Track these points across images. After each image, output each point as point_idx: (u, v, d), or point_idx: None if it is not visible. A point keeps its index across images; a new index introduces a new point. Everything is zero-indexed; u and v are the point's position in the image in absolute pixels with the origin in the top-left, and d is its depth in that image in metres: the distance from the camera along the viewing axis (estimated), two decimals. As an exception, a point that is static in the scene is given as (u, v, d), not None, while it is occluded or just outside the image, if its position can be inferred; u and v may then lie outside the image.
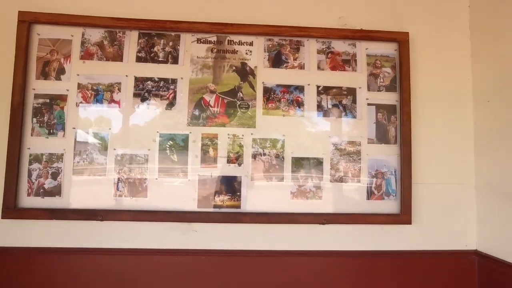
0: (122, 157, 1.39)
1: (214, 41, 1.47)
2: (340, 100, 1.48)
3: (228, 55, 1.47)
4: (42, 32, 1.41)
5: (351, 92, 1.49)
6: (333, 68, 1.50)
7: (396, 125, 1.49)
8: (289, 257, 1.45)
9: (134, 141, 1.40)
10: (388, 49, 1.53)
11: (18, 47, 1.36)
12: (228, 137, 1.42)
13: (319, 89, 1.48)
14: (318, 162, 1.45)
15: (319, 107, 1.47)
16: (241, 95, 1.45)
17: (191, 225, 1.40)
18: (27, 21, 1.38)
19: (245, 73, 1.46)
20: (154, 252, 1.40)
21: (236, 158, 1.42)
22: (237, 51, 1.47)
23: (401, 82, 1.49)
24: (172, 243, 1.40)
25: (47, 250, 1.37)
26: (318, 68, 1.49)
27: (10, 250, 1.35)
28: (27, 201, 1.36)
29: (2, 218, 1.32)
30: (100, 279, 1.38)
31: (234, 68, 1.46)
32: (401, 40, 1.51)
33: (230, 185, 1.41)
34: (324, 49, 1.50)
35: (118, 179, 1.38)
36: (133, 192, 1.39)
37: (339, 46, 1.51)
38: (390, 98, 1.51)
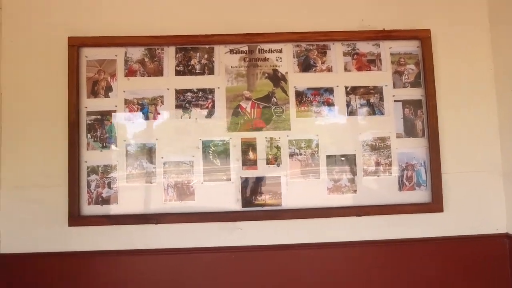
0: (169, 164, 1.51)
1: (246, 50, 1.57)
2: (368, 99, 1.57)
3: (260, 63, 1.57)
4: (89, 54, 1.54)
5: (378, 90, 1.57)
6: (359, 68, 1.58)
7: (423, 118, 1.57)
8: (328, 249, 1.55)
9: (179, 149, 1.52)
10: (411, 46, 1.60)
11: (70, 70, 1.49)
12: (266, 140, 1.53)
13: (348, 89, 1.57)
14: (351, 159, 1.54)
15: (349, 106, 1.56)
16: (275, 100, 1.55)
17: (236, 223, 1.52)
18: (76, 46, 1.50)
19: (277, 79, 1.56)
20: (204, 250, 1.52)
21: (274, 159, 1.52)
22: (268, 58, 1.57)
23: (425, 77, 1.56)
24: (220, 241, 1.52)
25: (108, 253, 1.51)
26: (345, 69, 1.58)
27: (76, 254, 1.49)
28: (88, 209, 1.49)
29: (69, 225, 1.47)
30: (156, 278, 1.51)
31: (266, 75, 1.56)
32: (422, 37, 1.58)
33: (271, 185, 1.52)
34: (350, 51, 1.59)
35: (167, 185, 1.51)
36: (181, 196, 1.51)
37: (364, 47, 1.59)
38: (415, 93, 1.58)
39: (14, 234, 1.49)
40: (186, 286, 1.51)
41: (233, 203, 1.51)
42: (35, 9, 1.55)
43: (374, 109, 1.56)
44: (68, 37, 1.50)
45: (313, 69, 1.57)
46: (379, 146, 1.55)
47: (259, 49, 1.57)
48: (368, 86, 1.57)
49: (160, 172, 1.51)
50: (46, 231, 1.49)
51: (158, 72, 1.54)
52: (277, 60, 1.57)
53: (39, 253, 1.48)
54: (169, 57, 1.55)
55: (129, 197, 1.51)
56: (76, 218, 1.46)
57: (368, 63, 1.59)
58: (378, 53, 1.59)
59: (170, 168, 1.51)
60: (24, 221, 1.49)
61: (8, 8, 1.55)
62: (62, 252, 1.49)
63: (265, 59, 1.57)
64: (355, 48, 1.59)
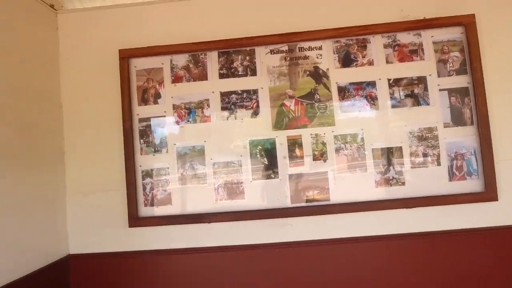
0: (219, 165, 1.57)
1: (286, 50, 1.60)
2: (412, 90, 1.55)
3: (301, 61, 1.59)
4: (138, 64, 1.62)
5: (422, 80, 1.55)
6: (401, 60, 1.57)
7: (471, 106, 1.53)
8: (378, 242, 1.55)
9: (227, 150, 1.58)
10: (454, 33, 1.57)
11: (122, 80, 1.59)
12: (311, 137, 1.55)
13: (390, 81, 1.56)
14: (398, 151, 1.53)
15: (392, 98, 1.55)
16: (318, 97, 1.57)
17: (286, 220, 1.56)
18: (126, 57, 1.59)
19: (318, 76, 1.58)
20: (255, 247, 1.57)
21: (321, 155, 1.54)
22: (308, 56, 1.59)
23: (472, 64, 1.53)
24: (271, 238, 1.56)
25: (164, 252, 1.59)
26: (387, 62, 1.57)
27: (136, 253, 1.59)
28: (145, 211, 1.58)
29: (129, 227, 1.56)
30: (210, 275, 1.57)
31: (308, 72, 1.58)
32: (466, 22, 1.54)
33: (318, 180, 1.54)
34: (390, 43, 1.58)
35: (218, 185, 1.57)
36: (231, 195, 1.56)
37: (404, 38, 1.58)
38: (461, 81, 1.55)
39: (81, 236, 1.61)
40: (239, 283, 1.57)
41: (282, 200, 1.55)
42: (88, 27, 1.66)
43: (419, 100, 1.55)
44: (119, 50, 1.60)
45: (354, 64, 1.58)
46: (426, 137, 1.53)
47: (299, 47, 1.60)
48: (412, 77, 1.56)
49: (210, 172, 1.57)
50: (109, 233, 1.59)
51: (203, 76, 1.61)
52: (317, 57, 1.59)
53: (103, 253, 1.59)
54: (212, 61, 1.61)
55: (182, 198, 1.58)
56: (135, 219, 1.55)
57: (410, 53, 1.57)
58: (420, 43, 1.57)
59: (219, 169, 1.57)
60: (89, 224, 1.60)
61: (64, 28, 1.67)
62: (123, 252, 1.59)
63: (306, 57, 1.59)
64: (395, 40, 1.58)
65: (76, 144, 1.63)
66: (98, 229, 1.59)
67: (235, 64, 1.60)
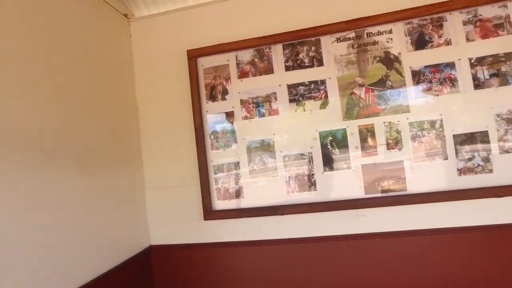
0: (289, 157, 1.58)
1: (353, 37, 1.55)
2: (498, 68, 1.42)
3: (370, 47, 1.53)
4: (205, 63, 1.68)
5: (510, 57, 1.41)
6: (484, 36, 1.44)
7: None
8: (462, 233, 1.45)
9: (297, 142, 1.57)
10: (548, 1, 1.40)
11: (191, 79, 1.66)
12: (384, 125, 1.49)
13: (472, 61, 1.44)
14: (483, 136, 1.42)
15: (475, 79, 1.43)
16: (390, 83, 1.50)
17: (360, 211, 1.52)
18: (194, 57, 1.66)
19: (389, 61, 1.51)
20: (329, 239, 1.55)
21: (395, 144, 1.48)
22: (377, 41, 1.53)
23: None
24: (344, 229, 1.54)
25: (239, 244, 1.64)
26: (467, 40, 1.45)
27: (211, 245, 1.66)
28: (219, 204, 1.64)
29: (204, 219, 1.64)
30: (283, 267, 1.59)
31: (377, 58, 1.52)
32: None
33: (394, 170, 1.48)
34: (471, 19, 1.45)
35: (289, 177, 1.58)
36: (303, 187, 1.56)
37: (487, 11, 1.44)
38: (558, 54, 1.39)
39: (160, 229, 1.72)
40: (311, 275, 1.57)
41: (356, 191, 1.51)
42: (157, 32, 1.76)
43: (507, 79, 1.41)
44: (187, 50, 1.67)
45: (429, 45, 1.48)
46: (517, 119, 1.40)
47: (367, 33, 1.54)
48: (497, 54, 1.42)
49: (281, 165, 1.58)
50: (185, 225, 1.68)
51: (269, 70, 1.62)
52: (387, 41, 1.52)
53: (181, 245, 1.69)
54: (277, 54, 1.61)
55: (254, 191, 1.61)
56: (210, 213, 1.62)
57: (494, 28, 1.43)
58: (506, 15, 1.42)
59: (289, 161, 1.57)
60: (166, 217, 1.71)
61: (137, 34, 1.78)
62: (199, 243, 1.67)
63: (375, 43, 1.53)
64: (476, 15, 1.45)
65: (152, 143, 1.73)
66: (175, 222, 1.69)
67: (300, 56, 1.59)
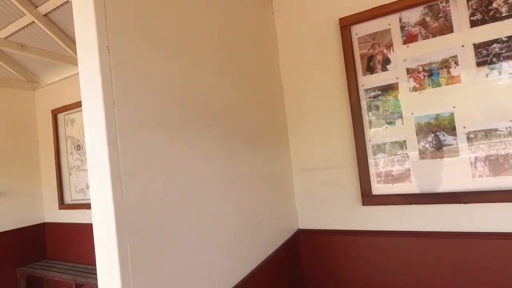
0: (475, 134, 1.28)
1: None
2: None
3: None
4: (359, 31, 1.50)
5: None
6: None
7: None
8: None
9: (487, 115, 1.26)
10: None
11: (345, 51, 1.50)
12: None
13: None
14: None
15: None
16: None
17: None
18: (347, 25, 1.50)
19: None
20: (535, 236, 1.22)
21: None
22: None
23: None
24: None
25: (404, 234, 1.44)
26: None
27: (369, 233, 1.50)
28: (378, 188, 1.47)
29: (362, 205, 1.49)
30: (458, 264, 1.32)
31: None
32: None
33: None
34: None
35: (475, 158, 1.28)
36: (496, 171, 1.25)
37: None
38: None
39: (308, 212, 1.65)
40: (488, 278, 1.26)
41: None
42: (301, 5, 1.66)
43: None
44: (339, 19, 1.52)
45: None
46: None
47: None
48: None
49: (463, 144, 1.30)
50: (338, 210, 1.57)
51: (446, 29, 1.33)
52: None
53: (332, 230, 1.58)
54: (459, 7, 1.31)
55: (425, 174, 1.38)
56: (369, 197, 1.46)
57: None
58: None
59: (477, 140, 1.28)
60: (315, 201, 1.62)
61: (279, 12, 1.72)
62: (354, 230, 1.53)
63: None
64: None
65: (298, 123, 1.67)
66: (325, 206, 1.59)
67: (494, 5, 1.25)
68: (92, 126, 0.65)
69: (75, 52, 2.66)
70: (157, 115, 0.78)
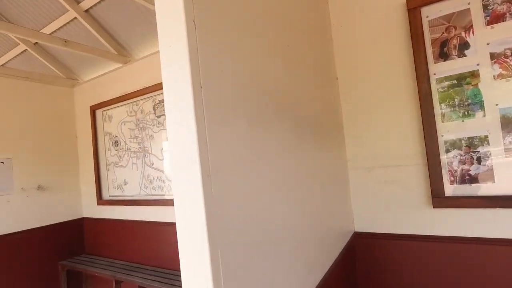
0: None
1: None
2: None
3: None
4: (431, 13, 1.34)
5: None
6: None
7: None
8: None
9: None
10: None
11: (413, 36, 1.35)
12: None
13: None
14: None
15: None
16: None
17: None
18: (417, 7, 1.34)
19: None
20: None
21: None
22: None
23: None
24: None
25: (486, 241, 1.27)
26: None
27: (441, 239, 1.34)
28: (451, 189, 1.31)
29: (433, 207, 1.34)
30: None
31: None
32: None
33: None
34: None
35: None
36: None
37: None
38: None
39: (366, 214, 1.51)
40: None
41: None
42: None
43: None
44: (407, 1, 1.37)
45: None
46: None
47: None
48: None
49: None
50: (402, 212, 1.42)
51: (542, 6, 1.16)
52: None
53: (396, 235, 1.44)
54: (559, -20, 1.13)
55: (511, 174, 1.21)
56: (441, 199, 1.31)
57: None
58: None
59: None
60: (375, 201, 1.48)
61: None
62: (422, 235, 1.38)
63: None
64: None
65: (356, 117, 1.53)
66: (387, 207, 1.45)
67: None
68: (177, 113, 0.56)
69: (114, 48, 2.67)
70: (240, 103, 0.68)
